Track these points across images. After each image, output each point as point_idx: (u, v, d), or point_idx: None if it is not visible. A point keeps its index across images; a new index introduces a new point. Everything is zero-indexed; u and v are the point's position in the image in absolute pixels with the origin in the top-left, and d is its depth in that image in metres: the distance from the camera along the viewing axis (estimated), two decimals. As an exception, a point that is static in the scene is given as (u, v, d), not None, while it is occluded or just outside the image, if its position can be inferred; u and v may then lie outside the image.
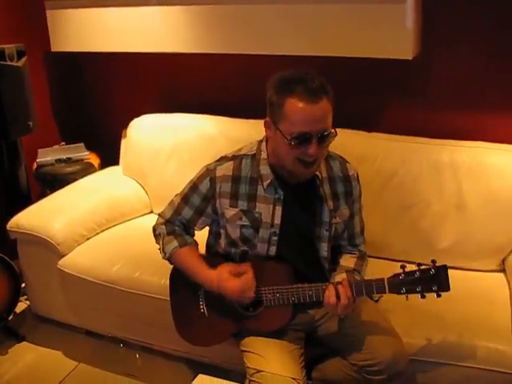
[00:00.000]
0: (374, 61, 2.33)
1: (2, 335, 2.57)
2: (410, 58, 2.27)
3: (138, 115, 2.98)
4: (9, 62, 2.52)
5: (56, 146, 3.20)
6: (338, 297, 1.59)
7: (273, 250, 1.75)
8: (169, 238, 1.83)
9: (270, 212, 1.72)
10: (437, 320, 1.91)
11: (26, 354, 2.50)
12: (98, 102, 3.37)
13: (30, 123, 2.66)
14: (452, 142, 2.35)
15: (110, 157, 3.12)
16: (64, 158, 3.02)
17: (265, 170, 1.72)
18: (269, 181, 1.71)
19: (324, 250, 1.78)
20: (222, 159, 1.79)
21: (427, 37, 2.39)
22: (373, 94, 2.61)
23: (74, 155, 3.05)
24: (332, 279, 1.76)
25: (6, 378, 2.35)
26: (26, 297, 2.73)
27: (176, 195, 1.87)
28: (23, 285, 2.65)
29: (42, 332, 2.63)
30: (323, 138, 1.58)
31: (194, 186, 1.79)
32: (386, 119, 2.60)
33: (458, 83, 2.43)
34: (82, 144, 3.17)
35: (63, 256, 2.42)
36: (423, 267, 1.57)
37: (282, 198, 1.72)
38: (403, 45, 2.26)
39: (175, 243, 1.81)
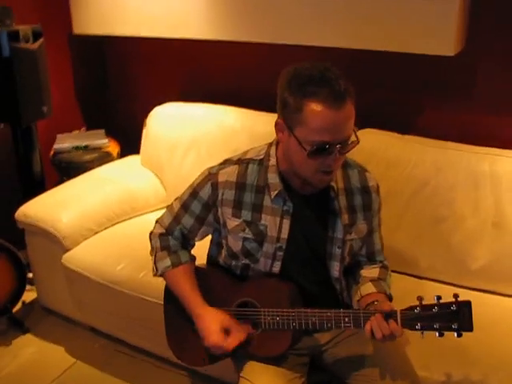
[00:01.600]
0: (409, 56, 2.10)
1: (8, 325, 2.51)
2: (453, 54, 2.03)
3: (161, 103, 2.83)
4: (23, 45, 2.40)
5: (76, 132, 3.11)
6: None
7: (277, 266, 1.57)
8: (162, 254, 1.67)
9: (277, 225, 1.54)
10: (459, 353, 1.69)
11: (28, 346, 2.43)
12: (122, 87, 3.25)
13: (45, 108, 2.56)
14: (495, 150, 2.09)
15: (131, 145, 2.99)
16: (82, 145, 2.90)
17: (273, 178, 1.54)
18: (277, 191, 1.53)
19: (335, 269, 1.59)
20: (226, 162, 1.62)
21: (473, 31, 2.13)
22: (408, 93, 2.37)
23: (92, 142, 2.94)
24: (356, 292, 1.59)
25: (4, 372, 2.28)
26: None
27: (176, 199, 1.70)
28: (31, 275, 2.58)
29: (47, 325, 2.56)
30: (344, 148, 1.40)
31: (194, 192, 1.63)
32: (422, 121, 2.36)
33: (506, 85, 2.16)
34: (103, 131, 3.07)
35: (68, 250, 2.32)
36: (443, 301, 1.36)
37: (291, 210, 1.54)
38: (445, 39, 2.02)
39: (168, 262, 1.65)
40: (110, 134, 3.11)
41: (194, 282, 1.63)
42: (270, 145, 1.60)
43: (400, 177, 2.15)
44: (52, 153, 2.90)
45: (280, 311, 1.51)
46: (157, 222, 1.74)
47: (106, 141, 2.96)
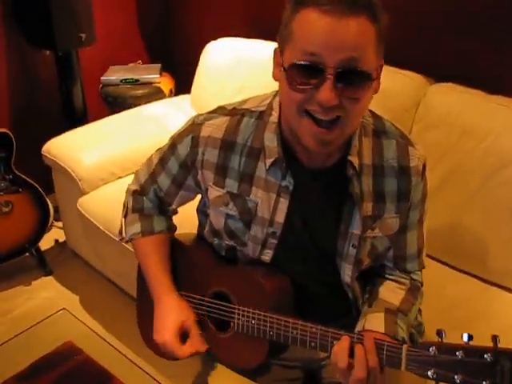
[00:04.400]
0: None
1: (33, 264, 2.41)
2: None
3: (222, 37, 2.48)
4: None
5: (131, 65, 2.86)
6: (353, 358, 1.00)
7: (268, 254, 1.19)
8: (133, 217, 1.32)
9: (271, 205, 1.15)
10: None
11: (46, 290, 2.32)
12: (184, 17, 2.92)
13: (83, 36, 2.31)
14: None
15: (188, 83, 2.69)
16: (131, 78, 2.65)
17: (270, 140, 1.12)
18: (273, 158, 1.12)
19: (347, 273, 1.17)
20: (218, 110, 1.21)
21: None
22: (500, 40, 1.79)
23: (143, 77, 2.68)
24: (361, 319, 1.17)
25: (14, 313, 2.18)
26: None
27: (157, 149, 1.34)
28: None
29: (71, 269, 2.42)
30: (348, 78, 0.93)
31: (173, 145, 1.25)
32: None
33: None
34: (159, 65, 2.79)
35: (85, 194, 2.11)
36: (475, 344, 0.92)
37: (291, 187, 1.13)
38: None
39: (137, 228, 1.30)
40: (167, 69, 2.84)
41: (165, 257, 1.30)
42: (276, 93, 1.18)
43: (475, 150, 1.64)
44: (100, 85, 2.69)
45: (257, 313, 1.14)
46: (135, 174, 1.39)
47: (157, 76, 2.69)
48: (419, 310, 1.33)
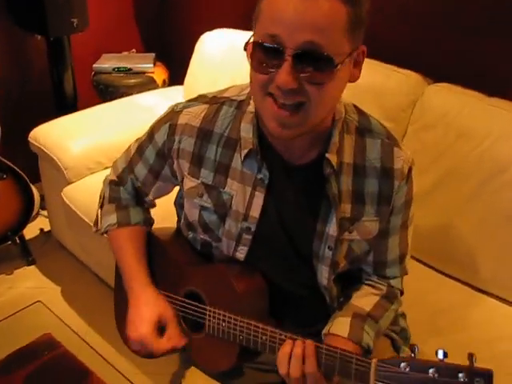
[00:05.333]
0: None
1: (16, 252, 2.36)
2: None
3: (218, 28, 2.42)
4: None
5: (125, 53, 2.80)
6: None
7: (242, 251, 1.13)
8: (109, 208, 1.27)
9: (246, 197, 1.10)
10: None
11: (28, 279, 2.27)
12: (181, 4, 2.85)
13: (75, 21, 2.25)
14: None
15: (182, 74, 2.63)
16: (124, 67, 2.59)
17: (246, 130, 1.07)
18: (247, 149, 1.07)
19: (324, 275, 1.12)
20: (198, 99, 1.16)
21: None
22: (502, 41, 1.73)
23: (136, 66, 2.61)
24: (329, 323, 1.12)
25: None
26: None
27: (137, 139, 1.28)
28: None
29: (54, 259, 2.37)
30: (307, 61, 0.87)
31: (151, 133, 1.20)
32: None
33: None
34: (153, 55, 2.73)
35: (70, 183, 2.05)
36: (449, 362, 0.86)
37: (266, 180, 1.08)
38: None
39: (113, 219, 1.25)
40: (162, 59, 2.78)
41: (142, 250, 1.24)
42: None
43: (472, 154, 1.58)
44: (93, 73, 2.63)
45: (227, 316, 1.09)
46: (113, 164, 1.35)
47: (151, 65, 2.63)
48: (403, 315, 1.29)
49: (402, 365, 0.87)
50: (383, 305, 1.15)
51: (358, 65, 0.97)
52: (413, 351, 0.88)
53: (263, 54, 0.90)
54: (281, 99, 0.91)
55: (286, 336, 1.00)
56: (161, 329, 1.15)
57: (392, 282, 1.19)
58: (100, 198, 1.31)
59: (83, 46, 2.59)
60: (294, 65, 0.87)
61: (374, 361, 0.90)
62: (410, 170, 1.10)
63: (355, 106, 1.12)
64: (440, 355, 0.86)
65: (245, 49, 0.94)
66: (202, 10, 2.76)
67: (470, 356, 0.84)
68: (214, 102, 1.13)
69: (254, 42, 0.91)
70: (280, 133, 0.95)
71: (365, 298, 1.15)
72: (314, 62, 0.87)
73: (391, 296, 1.17)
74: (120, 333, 1.33)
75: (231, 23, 2.39)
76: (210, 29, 2.41)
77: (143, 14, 2.88)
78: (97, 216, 1.30)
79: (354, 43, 0.92)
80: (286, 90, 0.89)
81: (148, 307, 1.15)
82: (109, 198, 1.28)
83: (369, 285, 1.18)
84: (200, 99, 1.15)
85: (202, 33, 2.42)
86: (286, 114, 0.92)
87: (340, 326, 1.08)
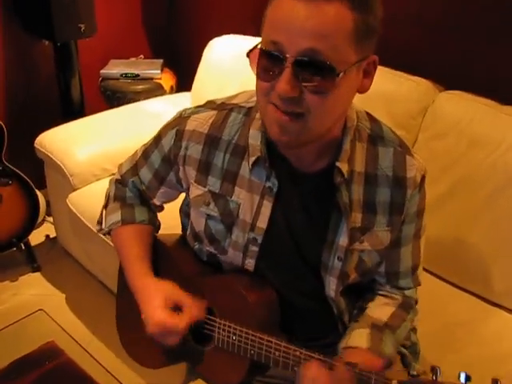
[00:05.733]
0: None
1: (22, 259, 2.34)
2: None
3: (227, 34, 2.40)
4: None
5: (133, 59, 2.79)
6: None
7: (250, 263, 1.11)
8: (114, 206, 1.24)
9: (254, 207, 1.07)
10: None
11: (32, 287, 2.24)
12: (190, 12, 2.84)
13: (82, 26, 2.24)
14: None
15: (190, 80, 2.62)
16: (131, 73, 2.58)
17: (255, 137, 1.04)
18: (255, 157, 1.04)
19: (331, 287, 1.09)
20: (206, 104, 1.14)
21: None
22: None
23: (143, 72, 2.60)
24: (346, 336, 1.09)
25: (-2, 309, 2.11)
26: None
27: (144, 144, 1.26)
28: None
29: (60, 266, 2.35)
30: (308, 69, 0.84)
31: (157, 137, 1.18)
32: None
33: None
34: (161, 61, 2.72)
35: (76, 190, 2.03)
36: None
37: (274, 189, 1.05)
38: None
39: (118, 216, 1.22)
40: (170, 65, 2.76)
41: (147, 247, 1.21)
42: None
43: (485, 162, 1.55)
44: (100, 79, 2.62)
45: (238, 329, 1.06)
46: (118, 166, 1.32)
47: (158, 71, 2.61)
48: (414, 329, 1.25)
49: (426, 388, 0.84)
50: (400, 315, 1.12)
51: (368, 75, 0.94)
52: (434, 373, 0.84)
53: (266, 61, 0.88)
54: (281, 108, 0.89)
55: (300, 352, 0.97)
56: (176, 309, 1.10)
57: (406, 292, 1.16)
58: (105, 197, 1.29)
59: (91, 51, 2.58)
60: (295, 73, 0.84)
61: (394, 382, 0.87)
62: (422, 178, 1.08)
63: (367, 113, 1.09)
64: (462, 379, 0.82)
65: (248, 56, 0.92)
66: (211, 16, 2.75)
67: (495, 382, 0.80)
68: (223, 108, 1.10)
69: (259, 51, 0.89)
70: (280, 138, 0.93)
71: (381, 308, 1.12)
72: (316, 70, 0.84)
73: (407, 306, 1.15)
74: (123, 344, 1.30)
75: (240, 29, 2.37)
76: (219, 35, 2.40)
77: (151, 20, 2.87)
78: (101, 215, 1.27)
79: (362, 52, 0.88)
80: (286, 98, 0.87)
81: (153, 297, 1.11)
82: (114, 196, 1.26)
83: (383, 295, 1.16)
84: (208, 105, 1.13)
85: (210, 39, 2.41)
86: (286, 118, 0.89)
87: (359, 338, 1.05)
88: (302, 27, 0.82)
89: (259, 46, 0.90)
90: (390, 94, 1.77)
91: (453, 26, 1.85)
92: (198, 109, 1.13)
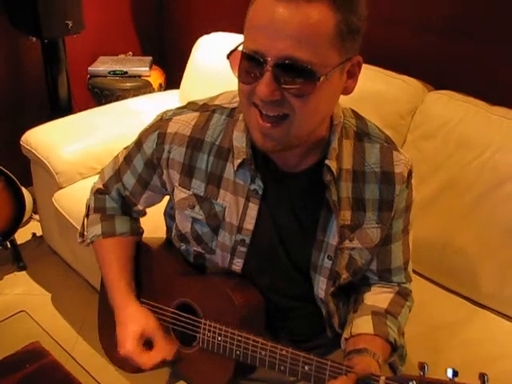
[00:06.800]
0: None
1: (7, 258, 2.31)
2: None
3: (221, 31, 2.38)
4: None
5: (121, 56, 2.76)
6: None
7: (238, 264, 1.10)
8: (94, 218, 1.22)
9: (240, 209, 1.06)
10: None
11: (18, 286, 2.22)
12: (178, 8, 2.82)
13: (69, 23, 2.21)
14: None
15: (178, 78, 2.60)
16: (119, 70, 2.56)
17: (239, 138, 1.03)
18: (241, 159, 1.03)
19: (321, 287, 1.08)
20: (187, 106, 1.12)
21: None
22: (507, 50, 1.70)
23: (132, 69, 2.58)
24: (348, 327, 1.09)
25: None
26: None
27: (125, 147, 1.23)
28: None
29: (45, 265, 2.33)
30: (288, 72, 0.83)
31: (139, 141, 1.16)
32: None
33: None
34: (150, 58, 2.71)
35: (62, 188, 2.01)
36: (459, 381, 0.82)
37: (260, 191, 1.04)
38: None
39: (98, 229, 1.20)
40: (159, 63, 2.75)
41: (127, 262, 1.19)
42: None
43: (473, 163, 1.55)
44: (88, 76, 2.59)
45: (224, 330, 1.05)
46: (100, 172, 1.29)
47: (147, 69, 2.60)
48: (402, 333, 1.24)
49: (411, 383, 0.84)
50: (398, 301, 1.12)
51: (352, 76, 0.93)
52: (422, 369, 0.84)
53: (247, 64, 0.86)
54: (263, 110, 0.88)
55: (287, 351, 0.96)
56: (149, 342, 1.11)
57: (401, 284, 1.17)
58: (86, 207, 1.26)
59: (79, 48, 2.56)
60: (276, 76, 0.83)
61: (382, 378, 0.86)
62: (409, 173, 1.08)
63: (353, 111, 1.09)
64: (449, 374, 0.82)
65: (228, 58, 0.90)
66: (200, 14, 2.73)
67: (482, 376, 0.80)
68: (205, 109, 1.08)
69: (241, 53, 0.87)
70: (263, 143, 0.92)
71: (378, 296, 1.13)
72: (296, 73, 0.83)
73: (404, 293, 1.15)
74: (104, 350, 1.29)
75: (229, 27, 2.36)
76: (208, 32, 2.38)
77: (140, 17, 2.85)
78: (82, 225, 1.26)
79: (346, 53, 0.87)
80: (268, 101, 0.85)
81: (131, 324, 1.11)
82: (94, 207, 1.24)
83: (379, 286, 1.16)
84: (190, 106, 1.11)
85: (199, 36, 2.39)
86: (267, 125, 0.89)
87: (362, 325, 1.05)
88: (283, 31, 0.81)
89: (240, 49, 0.88)
90: (378, 93, 1.77)
91: (440, 25, 1.85)
92: (180, 110, 1.11)
